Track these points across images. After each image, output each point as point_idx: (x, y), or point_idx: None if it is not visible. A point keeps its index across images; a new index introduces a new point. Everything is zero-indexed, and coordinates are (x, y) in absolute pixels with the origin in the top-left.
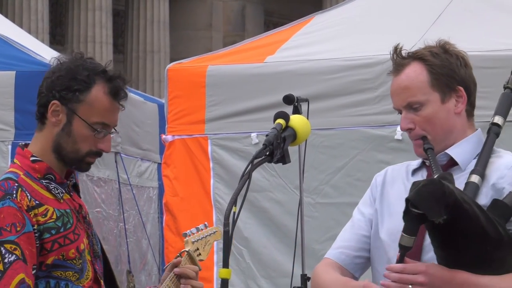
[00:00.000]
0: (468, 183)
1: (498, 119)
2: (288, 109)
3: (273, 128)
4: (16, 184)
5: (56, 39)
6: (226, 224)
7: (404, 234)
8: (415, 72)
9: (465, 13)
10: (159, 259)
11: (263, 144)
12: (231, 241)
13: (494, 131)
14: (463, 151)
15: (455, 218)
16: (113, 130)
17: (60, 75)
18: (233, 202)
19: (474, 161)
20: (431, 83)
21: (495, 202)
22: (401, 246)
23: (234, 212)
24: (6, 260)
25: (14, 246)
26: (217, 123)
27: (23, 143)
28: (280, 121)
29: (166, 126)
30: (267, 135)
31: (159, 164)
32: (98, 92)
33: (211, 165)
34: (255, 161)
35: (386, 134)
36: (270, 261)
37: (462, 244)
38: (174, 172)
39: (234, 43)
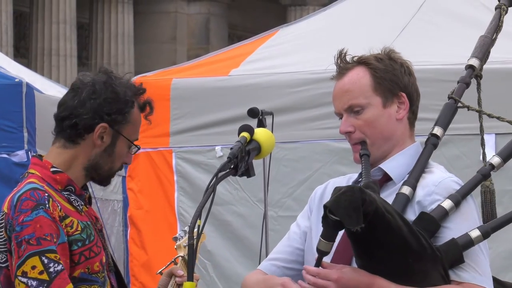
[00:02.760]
0: (398, 194)
1: (437, 130)
2: (253, 122)
3: (238, 141)
4: (46, 194)
5: (20, 52)
6: (190, 237)
7: (322, 239)
8: (358, 75)
9: (429, 26)
10: (123, 271)
11: (228, 157)
12: (196, 254)
13: (432, 142)
14: (398, 165)
15: (375, 227)
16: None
17: (107, 97)
18: (198, 215)
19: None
20: (373, 87)
21: (422, 215)
22: (318, 251)
23: (199, 226)
24: (51, 270)
25: (58, 256)
26: (181, 136)
27: (37, 154)
28: (245, 134)
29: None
30: (231, 148)
31: (124, 177)
32: (136, 110)
33: (175, 178)
34: (220, 174)
35: (349, 147)
36: (234, 274)
37: (381, 255)
38: (138, 185)
39: (198, 56)
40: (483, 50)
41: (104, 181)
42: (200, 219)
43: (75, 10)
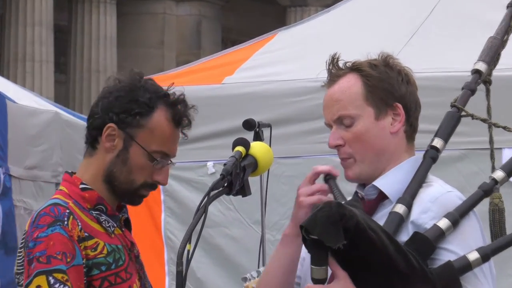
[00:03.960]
0: (390, 214)
1: (437, 142)
2: (249, 136)
3: (232, 156)
4: (68, 211)
5: None
6: (179, 264)
7: (312, 266)
8: (349, 83)
9: (443, 30)
10: None
11: (221, 174)
12: (185, 283)
13: (430, 155)
14: (393, 181)
15: (357, 245)
16: (170, 161)
17: (119, 95)
18: (187, 239)
19: None
20: (365, 96)
21: (414, 235)
22: (313, 280)
23: (188, 251)
24: None
25: (66, 277)
26: None
27: (70, 171)
28: (240, 148)
29: None
30: (225, 164)
31: None
32: (160, 118)
33: (162, 197)
34: (212, 193)
35: None
36: None
37: (366, 276)
38: None
39: (188, 62)
40: (491, 53)
41: (127, 196)
42: (190, 243)
43: (52, 11)
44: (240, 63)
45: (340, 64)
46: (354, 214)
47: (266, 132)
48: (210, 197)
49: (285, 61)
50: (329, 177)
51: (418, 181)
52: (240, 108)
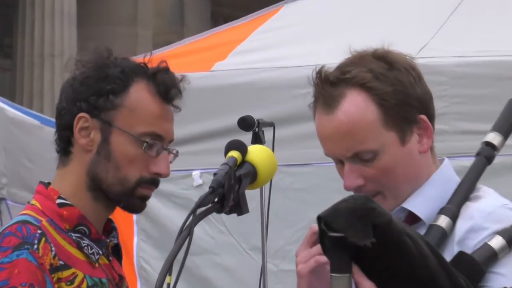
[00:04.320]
0: (431, 227)
1: (493, 138)
2: (246, 137)
3: (224, 164)
4: (39, 232)
5: None
6: None
7: (333, 275)
8: (359, 109)
9: (485, 9)
10: None
11: (210, 187)
12: None
13: (485, 154)
14: (426, 199)
15: (387, 249)
16: (167, 147)
17: (85, 77)
18: (167, 270)
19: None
20: (383, 122)
21: (459, 256)
22: None
23: (168, 284)
24: None
25: None
26: None
27: (45, 181)
28: (234, 154)
29: None
30: (215, 174)
31: None
32: (139, 92)
33: (134, 217)
34: (198, 211)
35: None
36: None
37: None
38: None
39: (169, 44)
40: None
41: (123, 201)
42: (170, 275)
43: None
44: (235, 45)
45: (332, 77)
46: (385, 211)
47: (268, 133)
48: (196, 216)
49: (291, 42)
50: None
51: (467, 187)
52: (235, 102)
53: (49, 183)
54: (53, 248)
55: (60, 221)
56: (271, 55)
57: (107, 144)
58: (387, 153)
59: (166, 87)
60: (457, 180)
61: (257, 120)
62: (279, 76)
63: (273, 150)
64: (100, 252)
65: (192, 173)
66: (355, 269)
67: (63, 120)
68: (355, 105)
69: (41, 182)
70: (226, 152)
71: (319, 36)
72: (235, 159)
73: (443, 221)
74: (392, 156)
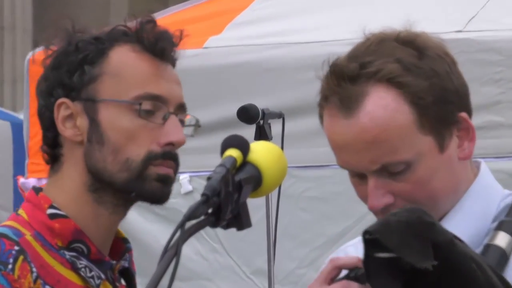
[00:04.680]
0: (487, 248)
1: None
2: (248, 132)
3: (221, 165)
4: (16, 248)
5: None
6: None
7: None
8: (388, 110)
9: None
10: None
11: (203, 194)
12: None
13: None
14: (467, 217)
15: (449, 275)
16: (175, 112)
17: (54, 60)
18: None
19: (493, 225)
20: (419, 124)
21: None
22: None
23: None
24: None
25: None
26: None
27: (38, 186)
28: (233, 153)
29: (26, 161)
30: (209, 178)
31: None
32: (121, 54)
33: None
34: (188, 224)
35: None
36: None
37: None
38: None
39: (149, 13)
40: None
41: (136, 188)
42: None
43: None
44: (233, 15)
45: (351, 69)
46: (446, 230)
47: (275, 127)
48: (184, 232)
49: (303, 12)
50: (355, 274)
51: None
52: (234, 88)
53: (40, 189)
54: (34, 269)
55: (50, 236)
56: (279, 27)
57: (96, 125)
58: (423, 163)
59: (154, 39)
60: (499, 189)
61: (262, 110)
62: (288, 54)
63: (282, 148)
64: (103, 276)
65: (179, 177)
66: None
67: (43, 120)
68: (383, 105)
69: (33, 188)
70: (222, 151)
71: (337, 3)
72: (234, 160)
73: (503, 239)
74: (429, 166)
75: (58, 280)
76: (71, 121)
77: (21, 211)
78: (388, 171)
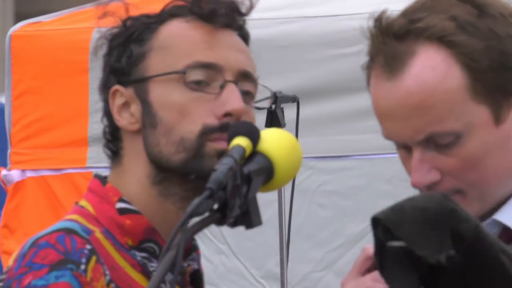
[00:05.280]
0: None
1: None
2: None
3: (228, 155)
4: (88, 247)
5: None
6: None
7: None
8: (436, 72)
9: None
10: None
11: (207, 188)
12: None
13: None
14: None
15: (474, 269)
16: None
17: (108, 49)
18: None
19: None
20: (472, 91)
21: None
22: None
23: None
24: None
25: None
26: None
27: (101, 174)
28: (242, 141)
29: (9, 151)
30: (214, 170)
31: None
32: (172, 26)
33: None
34: (191, 223)
35: None
36: None
37: None
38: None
39: None
40: None
41: (194, 169)
42: None
43: None
44: None
45: (397, 26)
46: (472, 217)
47: (289, 112)
48: (187, 230)
49: None
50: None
51: None
52: None
53: (106, 178)
54: (107, 272)
55: (120, 234)
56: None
57: (147, 107)
58: (474, 135)
59: (207, 6)
60: None
61: (274, 93)
62: (303, 29)
63: (296, 136)
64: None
65: None
66: None
67: (105, 114)
68: (431, 66)
69: (96, 176)
70: (229, 139)
71: None
72: (243, 149)
73: None
74: (482, 141)
75: (130, 285)
76: (127, 109)
77: (85, 203)
78: (435, 143)
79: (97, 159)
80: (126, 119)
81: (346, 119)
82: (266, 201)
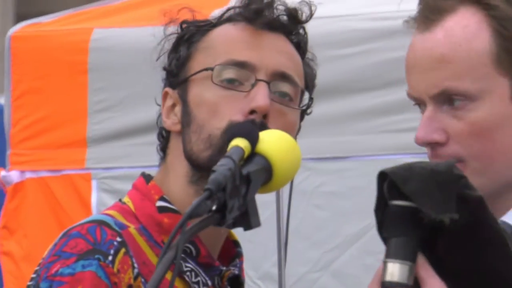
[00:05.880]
0: None
1: None
2: None
3: (226, 157)
4: (118, 240)
5: None
6: None
7: (388, 260)
8: (467, 30)
9: None
10: None
11: (206, 189)
12: None
13: None
14: None
15: (475, 235)
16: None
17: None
18: None
19: None
20: (497, 58)
21: None
22: (386, 285)
23: None
24: None
25: None
26: (109, 146)
27: (147, 173)
28: (240, 142)
29: (8, 152)
30: (213, 171)
31: None
32: (221, 29)
33: None
34: (190, 225)
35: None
36: None
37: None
38: (24, 245)
39: None
40: None
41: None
42: None
43: None
44: None
45: None
46: (476, 189)
47: None
48: (186, 231)
49: None
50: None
51: None
52: None
53: (150, 177)
54: (135, 265)
55: (157, 232)
56: None
57: (186, 106)
58: (488, 104)
59: (254, 9)
60: None
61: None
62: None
63: (295, 138)
64: (209, 282)
65: None
66: (421, 260)
67: (158, 116)
68: (464, 24)
69: (142, 175)
70: (228, 141)
71: None
72: (242, 150)
73: None
74: (494, 111)
75: (163, 284)
76: (173, 111)
77: (127, 200)
78: (449, 102)
79: (96, 160)
80: (171, 120)
81: (345, 120)
82: (264, 202)
